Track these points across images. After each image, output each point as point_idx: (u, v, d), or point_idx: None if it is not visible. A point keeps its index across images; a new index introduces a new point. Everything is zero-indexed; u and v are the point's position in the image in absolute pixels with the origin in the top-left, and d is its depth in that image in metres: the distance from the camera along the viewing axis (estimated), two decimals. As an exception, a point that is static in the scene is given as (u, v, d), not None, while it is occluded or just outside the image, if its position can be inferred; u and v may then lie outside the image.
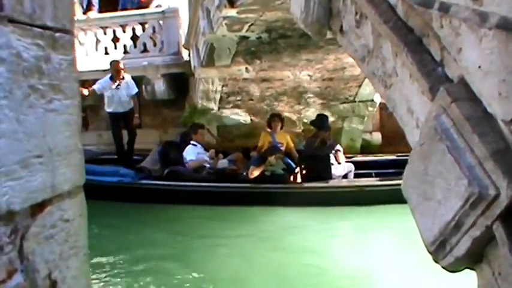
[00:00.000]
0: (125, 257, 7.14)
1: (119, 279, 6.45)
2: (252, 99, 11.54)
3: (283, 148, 9.93)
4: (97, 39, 12.48)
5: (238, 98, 11.40)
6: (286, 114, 11.25)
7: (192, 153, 9.97)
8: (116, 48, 12.40)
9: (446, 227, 1.82)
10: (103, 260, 6.90)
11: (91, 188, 8.80)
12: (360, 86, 11.21)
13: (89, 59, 12.40)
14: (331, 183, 9.34)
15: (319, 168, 9.39)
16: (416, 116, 2.37)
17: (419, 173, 2.06)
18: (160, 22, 12.17)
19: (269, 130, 10.13)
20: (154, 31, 12.22)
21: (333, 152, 9.81)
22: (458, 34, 1.87)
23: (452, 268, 1.88)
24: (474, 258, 1.78)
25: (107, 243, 7.43)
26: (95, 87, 10.07)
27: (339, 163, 9.83)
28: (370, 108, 11.88)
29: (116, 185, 9.47)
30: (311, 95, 11.47)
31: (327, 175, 9.40)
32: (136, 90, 10.47)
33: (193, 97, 11.88)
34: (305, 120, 11.68)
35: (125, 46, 12.39)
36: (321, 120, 9.69)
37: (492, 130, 1.63)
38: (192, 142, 10.12)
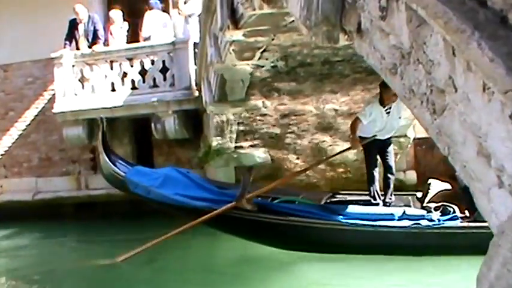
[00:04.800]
0: None
1: None
2: (272, 137, 10.43)
3: None
4: (104, 74, 11.61)
5: (256, 136, 10.31)
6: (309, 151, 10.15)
7: None
8: (123, 84, 11.47)
9: None
10: None
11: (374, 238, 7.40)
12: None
13: (95, 96, 11.53)
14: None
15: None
16: (499, 162, 1.28)
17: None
18: (171, 54, 11.24)
19: None
20: (164, 64, 11.26)
21: None
22: None
23: None
24: None
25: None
26: (361, 117, 7.95)
27: None
28: (403, 145, 10.71)
29: (406, 232, 7.42)
30: (337, 132, 10.34)
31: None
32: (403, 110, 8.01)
33: (208, 135, 10.83)
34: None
35: (132, 81, 11.47)
36: None
37: None
38: None
